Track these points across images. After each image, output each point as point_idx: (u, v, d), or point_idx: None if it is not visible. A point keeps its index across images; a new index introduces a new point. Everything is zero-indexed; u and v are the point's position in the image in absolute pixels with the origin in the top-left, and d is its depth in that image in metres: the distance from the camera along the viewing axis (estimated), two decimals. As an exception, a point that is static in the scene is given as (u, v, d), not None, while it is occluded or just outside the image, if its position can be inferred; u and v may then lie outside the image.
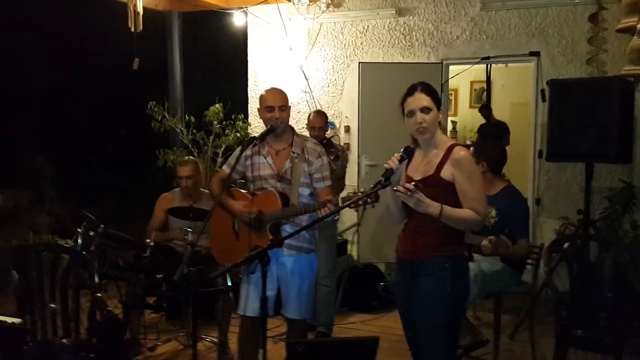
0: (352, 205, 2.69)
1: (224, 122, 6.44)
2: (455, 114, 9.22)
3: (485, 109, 8.31)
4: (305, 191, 3.21)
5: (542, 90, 5.50)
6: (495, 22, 5.69)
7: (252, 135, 3.18)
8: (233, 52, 6.90)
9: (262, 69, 6.68)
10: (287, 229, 3.16)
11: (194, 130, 6.50)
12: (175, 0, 6.92)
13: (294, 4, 6.24)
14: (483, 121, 8.21)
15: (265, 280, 2.48)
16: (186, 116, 6.63)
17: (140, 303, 3.79)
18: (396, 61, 6.00)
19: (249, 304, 3.12)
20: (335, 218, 4.78)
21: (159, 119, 6.30)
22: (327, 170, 3.26)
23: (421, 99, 2.55)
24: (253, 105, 6.80)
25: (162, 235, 4.19)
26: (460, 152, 2.52)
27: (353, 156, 5.97)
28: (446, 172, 2.52)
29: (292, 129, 3.33)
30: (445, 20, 5.87)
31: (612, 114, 4.34)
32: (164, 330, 4.45)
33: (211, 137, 6.44)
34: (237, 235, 3.27)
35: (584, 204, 4.77)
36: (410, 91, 2.59)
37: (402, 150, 2.58)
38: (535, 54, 5.55)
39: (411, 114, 2.57)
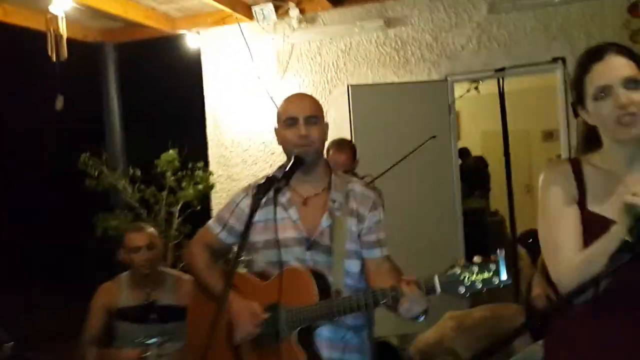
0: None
1: (179, 173, 5.14)
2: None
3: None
4: (354, 266, 1.98)
5: (573, 104, 4.51)
6: (507, 26, 4.71)
7: (267, 175, 2.03)
8: (185, 87, 5.65)
9: (223, 105, 5.45)
10: (325, 333, 1.90)
11: (142, 186, 5.15)
12: (108, 29, 5.70)
13: (258, 21, 5.09)
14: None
15: None
16: (130, 169, 5.29)
17: None
18: (390, 81, 4.92)
19: None
20: None
21: (95, 174, 4.92)
22: (384, 231, 2.05)
23: (621, 66, 1.40)
24: (214, 149, 5.53)
25: (106, 354, 2.77)
26: None
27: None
28: None
29: (328, 162, 2.12)
30: (445, 28, 4.85)
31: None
32: None
33: (164, 193, 5.11)
34: (237, 353, 1.96)
35: None
36: (596, 55, 1.44)
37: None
38: (559, 59, 4.59)
39: (605, 91, 1.41)
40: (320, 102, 5.20)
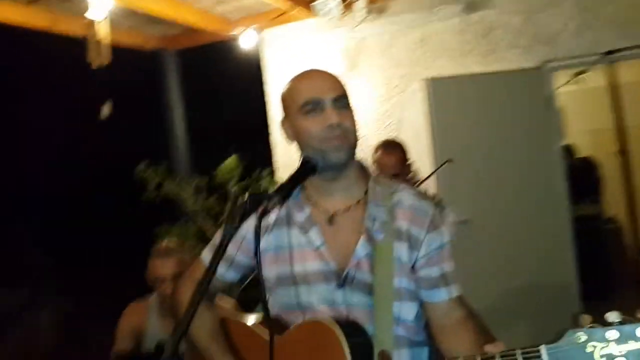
0: None
1: (243, 182, 4.77)
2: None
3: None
4: (408, 311, 1.41)
5: None
6: (615, 0, 3.95)
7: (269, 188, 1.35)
8: (248, 90, 5.27)
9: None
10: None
11: (205, 196, 4.83)
12: (168, 36, 5.42)
13: (320, 16, 4.61)
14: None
15: None
16: (193, 178, 4.98)
17: None
18: (474, 72, 4.28)
19: None
20: None
21: (155, 185, 4.62)
22: (452, 260, 1.46)
23: None
24: (279, 155, 5.10)
25: None
26: None
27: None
28: None
29: (362, 165, 1.52)
30: (537, 8, 4.15)
31: None
32: None
33: (229, 203, 4.75)
34: None
35: None
36: None
37: None
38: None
39: None
40: (394, 100, 4.73)
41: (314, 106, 1.38)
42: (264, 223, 1.42)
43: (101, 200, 4.72)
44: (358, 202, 1.43)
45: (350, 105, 1.44)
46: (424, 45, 4.49)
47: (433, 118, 4.07)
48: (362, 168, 1.49)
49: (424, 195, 1.49)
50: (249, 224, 1.41)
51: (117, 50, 4.94)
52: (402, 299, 1.38)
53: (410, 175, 2.98)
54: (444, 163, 3.23)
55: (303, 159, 1.37)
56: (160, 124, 5.35)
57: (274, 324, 1.42)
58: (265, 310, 1.26)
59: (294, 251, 1.41)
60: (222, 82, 5.10)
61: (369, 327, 1.34)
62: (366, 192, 1.44)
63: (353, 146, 1.41)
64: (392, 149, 2.84)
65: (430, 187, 4.38)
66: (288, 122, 1.44)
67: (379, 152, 2.84)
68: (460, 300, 1.44)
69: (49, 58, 4.86)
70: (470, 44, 4.33)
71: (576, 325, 1.08)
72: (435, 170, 3.29)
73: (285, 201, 1.30)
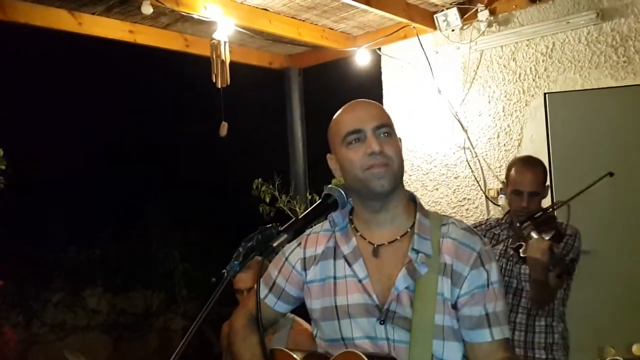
0: None
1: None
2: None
3: None
4: (452, 351, 1.33)
5: None
6: None
7: (311, 208, 1.38)
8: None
9: (402, 125, 4.92)
10: None
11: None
12: (293, 55, 5.64)
13: (440, 30, 4.49)
14: None
15: None
16: (308, 195, 5.10)
17: None
18: (606, 86, 3.87)
19: None
20: None
21: (268, 200, 4.81)
22: (500, 300, 1.35)
23: None
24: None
25: None
26: None
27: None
28: None
29: (413, 196, 1.48)
30: (684, 13, 3.65)
31: None
32: None
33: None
34: None
35: None
36: None
37: None
38: None
39: None
40: (516, 116, 4.46)
41: (355, 136, 1.38)
42: (311, 254, 1.46)
43: (228, 212, 5.06)
44: (404, 234, 1.39)
45: (394, 134, 1.42)
46: (549, 56, 4.15)
47: (553, 136, 3.74)
48: (410, 199, 1.45)
49: (472, 230, 1.42)
50: (297, 256, 1.46)
51: (247, 69, 5.24)
52: (446, 337, 1.31)
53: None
54: (604, 176, 2.65)
55: (324, 194, 1.38)
56: (284, 140, 5.57)
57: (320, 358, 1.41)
58: (262, 344, 1.24)
59: (337, 283, 1.40)
60: (342, 100, 5.18)
61: None
62: (413, 225, 1.40)
63: (397, 174, 1.39)
64: (531, 165, 2.50)
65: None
66: (334, 157, 1.46)
67: (514, 169, 2.48)
68: (505, 344, 1.33)
69: (183, 77, 5.32)
70: (603, 55, 3.91)
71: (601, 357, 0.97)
72: (593, 184, 2.74)
73: (341, 226, 1.39)
